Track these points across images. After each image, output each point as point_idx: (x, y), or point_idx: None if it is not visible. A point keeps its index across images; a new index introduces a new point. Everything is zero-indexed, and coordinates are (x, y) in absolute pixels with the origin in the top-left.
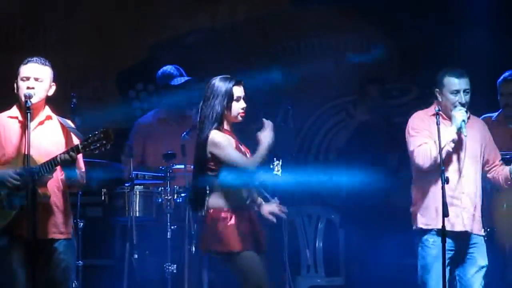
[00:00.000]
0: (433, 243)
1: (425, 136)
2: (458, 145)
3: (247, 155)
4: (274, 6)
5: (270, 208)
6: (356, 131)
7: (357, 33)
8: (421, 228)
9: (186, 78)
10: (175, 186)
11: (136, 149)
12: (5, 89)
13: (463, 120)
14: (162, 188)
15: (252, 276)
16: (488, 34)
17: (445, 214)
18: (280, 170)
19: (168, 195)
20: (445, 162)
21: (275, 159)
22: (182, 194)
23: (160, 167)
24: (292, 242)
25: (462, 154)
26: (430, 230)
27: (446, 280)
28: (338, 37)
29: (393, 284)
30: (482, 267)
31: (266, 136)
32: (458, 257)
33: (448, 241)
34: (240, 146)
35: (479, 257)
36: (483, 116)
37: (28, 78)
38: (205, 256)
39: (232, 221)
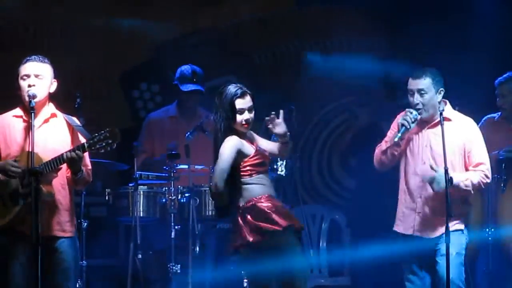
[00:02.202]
0: (401, 246)
1: (389, 137)
2: (420, 148)
3: (266, 155)
4: (278, 7)
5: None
6: (359, 132)
7: (362, 33)
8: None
9: (195, 87)
10: (179, 186)
11: (147, 143)
12: (8, 87)
13: (403, 126)
14: (166, 188)
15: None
16: (495, 34)
17: (450, 214)
18: (284, 170)
19: (172, 195)
20: (407, 165)
21: (278, 159)
22: (186, 194)
23: (164, 167)
24: None
25: (424, 158)
26: (396, 232)
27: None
28: (342, 38)
29: (397, 284)
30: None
31: None
32: (424, 261)
33: (412, 247)
34: (262, 146)
35: (443, 247)
36: (486, 117)
37: (28, 76)
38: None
39: (271, 204)
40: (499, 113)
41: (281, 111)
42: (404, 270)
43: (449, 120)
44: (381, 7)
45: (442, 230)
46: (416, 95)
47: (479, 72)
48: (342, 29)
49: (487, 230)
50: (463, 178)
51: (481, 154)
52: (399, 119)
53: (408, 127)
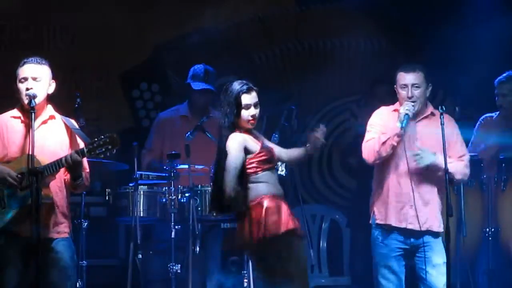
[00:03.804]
0: (382, 241)
1: (376, 131)
2: (410, 142)
3: (272, 152)
4: (279, 7)
5: (316, 134)
6: (360, 132)
7: (361, 33)
8: (374, 224)
9: (206, 86)
10: (179, 186)
11: (156, 143)
12: (9, 87)
13: (406, 114)
14: (166, 188)
15: (297, 254)
16: (493, 33)
17: (449, 213)
18: (285, 170)
19: (172, 195)
20: (397, 158)
21: None
22: (186, 194)
23: (164, 167)
24: None
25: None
26: (380, 225)
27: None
28: (342, 38)
29: None
30: (438, 264)
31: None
32: (412, 256)
33: (397, 237)
34: (267, 144)
35: (434, 255)
36: (484, 116)
37: (26, 79)
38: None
39: (273, 204)
40: (497, 112)
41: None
42: (379, 267)
43: (433, 115)
44: (381, 7)
45: (431, 222)
46: (411, 89)
47: (479, 72)
48: (342, 29)
49: (487, 229)
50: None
51: (463, 146)
52: (383, 113)
53: (411, 115)
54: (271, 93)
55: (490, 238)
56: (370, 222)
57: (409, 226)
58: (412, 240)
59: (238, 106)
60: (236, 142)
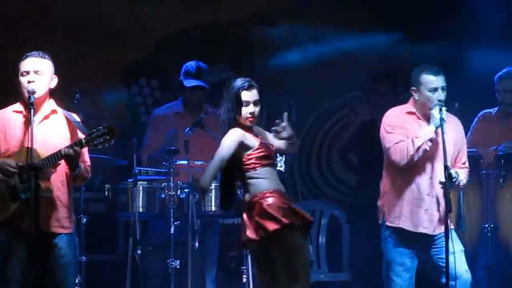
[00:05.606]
0: (395, 239)
1: (401, 133)
2: (433, 145)
3: (271, 148)
4: (278, 3)
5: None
6: (360, 129)
7: (361, 28)
8: (385, 225)
9: (198, 83)
10: (179, 182)
11: (153, 139)
12: (11, 86)
13: (442, 118)
14: (166, 183)
15: (301, 249)
16: (494, 28)
17: (449, 209)
18: (283, 165)
19: (172, 190)
20: (419, 162)
21: (278, 154)
22: (186, 190)
23: (163, 162)
24: None
25: (433, 155)
26: (393, 227)
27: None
28: (342, 33)
29: None
30: (457, 251)
31: None
32: (428, 250)
33: (410, 239)
34: (267, 140)
35: (451, 244)
36: (483, 112)
37: (28, 72)
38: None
39: (276, 199)
40: (496, 108)
41: (285, 114)
42: (392, 265)
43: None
44: (382, 4)
45: (442, 224)
46: (440, 92)
47: (478, 69)
48: (342, 26)
49: (486, 225)
50: (463, 177)
51: (466, 153)
52: (398, 115)
53: (445, 120)
54: (271, 89)
55: (489, 234)
56: (380, 222)
57: (423, 231)
58: (425, 240)
59: (238, 102)
60: (232, 135)
